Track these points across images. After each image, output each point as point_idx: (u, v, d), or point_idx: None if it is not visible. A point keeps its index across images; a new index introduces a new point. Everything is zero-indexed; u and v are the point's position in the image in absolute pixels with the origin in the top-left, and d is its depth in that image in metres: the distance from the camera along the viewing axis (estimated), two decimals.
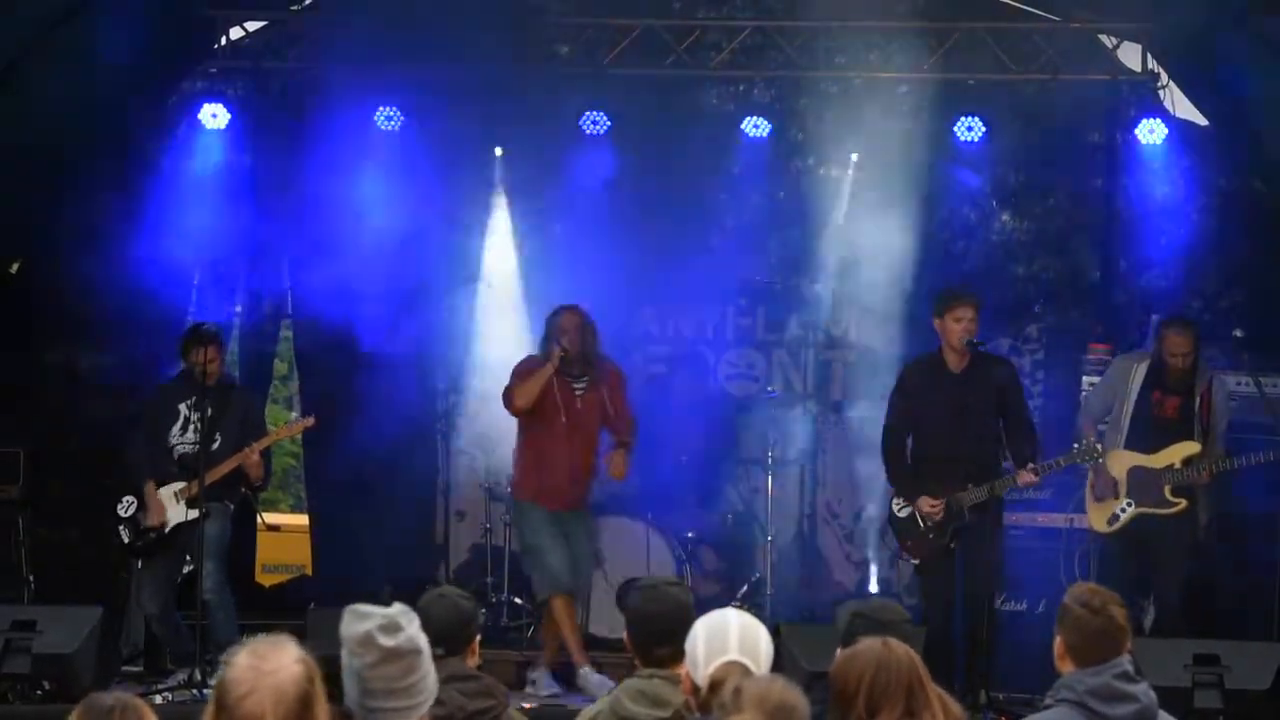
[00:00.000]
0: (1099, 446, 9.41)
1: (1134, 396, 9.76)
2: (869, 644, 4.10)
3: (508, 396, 10.27)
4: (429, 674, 3.91)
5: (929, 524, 9.54)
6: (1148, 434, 9.73)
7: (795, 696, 3.75)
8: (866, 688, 4.01)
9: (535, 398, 10.12)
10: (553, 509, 10.23)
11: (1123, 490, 9.72)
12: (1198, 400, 9.71)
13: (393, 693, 3.82)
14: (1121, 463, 9.74)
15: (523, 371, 10.26)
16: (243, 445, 9.99)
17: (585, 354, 10.22)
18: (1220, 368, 11.01)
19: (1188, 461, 9.64)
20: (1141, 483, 9.67)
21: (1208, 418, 9.70)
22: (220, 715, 3.49)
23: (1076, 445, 9.42)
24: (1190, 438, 9.68)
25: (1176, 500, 9.63)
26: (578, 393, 10.20)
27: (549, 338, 10.24)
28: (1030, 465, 9.37)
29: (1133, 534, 9.71)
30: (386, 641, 3.79)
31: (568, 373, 10.18)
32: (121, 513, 10.15)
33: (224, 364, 10.36)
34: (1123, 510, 9.72)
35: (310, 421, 10.47)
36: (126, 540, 10.13)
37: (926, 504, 9.52)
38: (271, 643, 3.53)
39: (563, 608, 10.06)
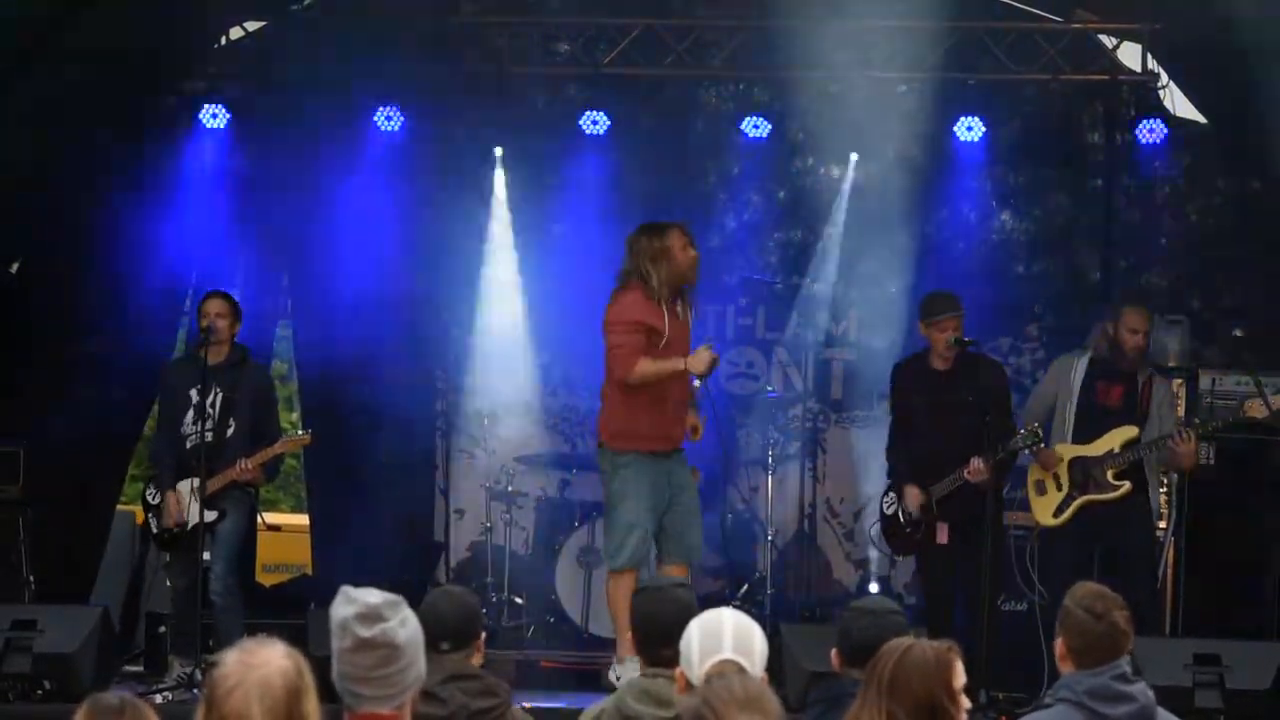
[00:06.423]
0: (1039, 430, 9.43)
1: (1077, 391, 9.67)
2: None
3: (625, 365, 9.12)
4: (408, 669, 3.86)
5: (906, 520, 9.70)
6: (1095, 425, 9.64)
7: (758, 685, 3.74)
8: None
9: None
10: (657, 450, 9.21)
11: (1065, 482, 9.64)
12: (1140, 387, 9.65)
13: (365, 680, 3.82)
14: (1062, 455, 9.68)
15: (636, 328, 9.14)
16: (257, 428, 9.87)
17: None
18: (1220, 368, 11.00)
19: (1126, 445, 9.57)
20: (1082, 471, 9.60)
21: (1147, 405, 9.63)
22: (210, 712, 3.55)
23: (1020, 433, 9.46)
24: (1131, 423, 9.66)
25: (1119, 483, 9.54)
26: (677, 310, 9.32)
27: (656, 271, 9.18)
28: (975, 458, 9.38)
29: (1084, 527, 9.61)
30: (362, 631, 3.80)
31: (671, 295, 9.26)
32: (150, 499, 10.07)
33: (236, 324, 9.91)
34: (1067, 501, 9.68)
35: (307, 439, 10.35)
36: (155, 530, 10.05)
37: (911, 496, 9.70)
38: (260, 641, 3.60)
39: (631, 584, 8.80)
